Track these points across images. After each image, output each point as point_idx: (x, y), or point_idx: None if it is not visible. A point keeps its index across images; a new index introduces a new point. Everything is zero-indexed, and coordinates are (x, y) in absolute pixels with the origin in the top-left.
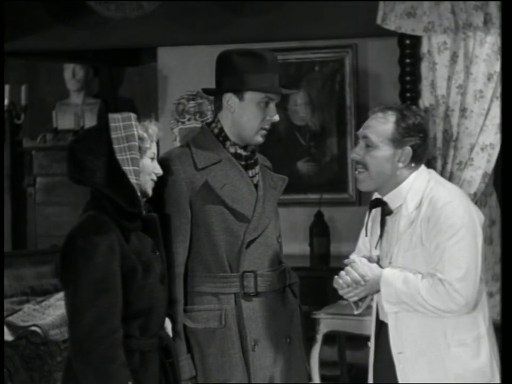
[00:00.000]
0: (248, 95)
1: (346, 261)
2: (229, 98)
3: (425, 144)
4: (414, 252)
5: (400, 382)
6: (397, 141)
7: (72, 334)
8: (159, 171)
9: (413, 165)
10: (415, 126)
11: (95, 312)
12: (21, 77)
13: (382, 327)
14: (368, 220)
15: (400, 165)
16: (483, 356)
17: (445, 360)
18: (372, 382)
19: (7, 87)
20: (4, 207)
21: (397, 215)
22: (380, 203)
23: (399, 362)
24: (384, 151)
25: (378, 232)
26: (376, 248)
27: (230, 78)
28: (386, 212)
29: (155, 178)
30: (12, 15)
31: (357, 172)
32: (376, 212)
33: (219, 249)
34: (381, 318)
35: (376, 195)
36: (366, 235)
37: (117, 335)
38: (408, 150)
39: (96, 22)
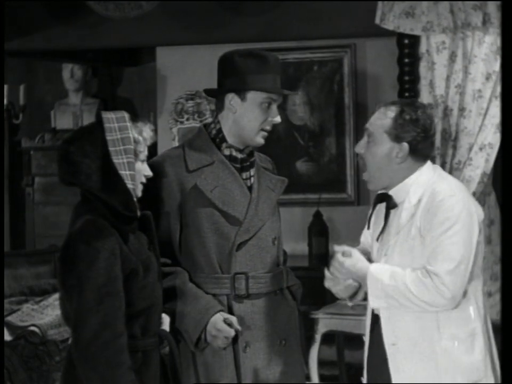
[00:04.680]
0: (251, 95)
1: (336, 248)
2: (231, 99)
3: (425, 141)
4: (412, 243)
5: (392, 374)
6: (394, 135)
7: (76, 340)
8: (149, 173)
9: (412, 161)
10: (412, 122)
11: (100, 317)
12: (19, 77)
13: (376, 321)
14: (372, 214)
15: (398, 160)
16: (477, 353)
17: (437, 353)
18: (365, 378)
19: (5, 87)
20: (3, 207)
21: (400, 208)
22: (385, 197)
23: (392, 354)
24: (382, 145)
25: (381, 225)
26: (377, 240)
27: (232, 78)
28: (391, 205)
29: (145, 180)
30: (10, 15)
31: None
32: (380, 206)
33: (209, 251)
34: (376, 311)
35: (381, 190)
36: (368, 228)
37: (122, 339)
38: (405, 145)
39: (95, 21)
